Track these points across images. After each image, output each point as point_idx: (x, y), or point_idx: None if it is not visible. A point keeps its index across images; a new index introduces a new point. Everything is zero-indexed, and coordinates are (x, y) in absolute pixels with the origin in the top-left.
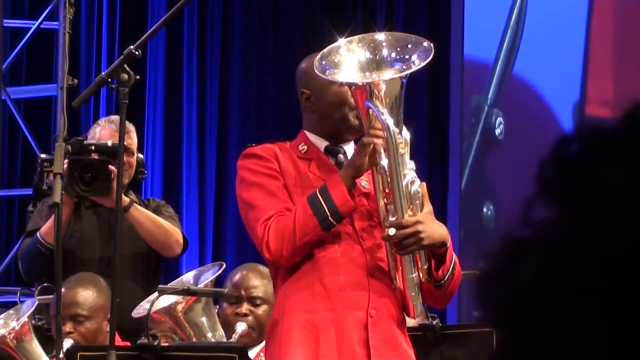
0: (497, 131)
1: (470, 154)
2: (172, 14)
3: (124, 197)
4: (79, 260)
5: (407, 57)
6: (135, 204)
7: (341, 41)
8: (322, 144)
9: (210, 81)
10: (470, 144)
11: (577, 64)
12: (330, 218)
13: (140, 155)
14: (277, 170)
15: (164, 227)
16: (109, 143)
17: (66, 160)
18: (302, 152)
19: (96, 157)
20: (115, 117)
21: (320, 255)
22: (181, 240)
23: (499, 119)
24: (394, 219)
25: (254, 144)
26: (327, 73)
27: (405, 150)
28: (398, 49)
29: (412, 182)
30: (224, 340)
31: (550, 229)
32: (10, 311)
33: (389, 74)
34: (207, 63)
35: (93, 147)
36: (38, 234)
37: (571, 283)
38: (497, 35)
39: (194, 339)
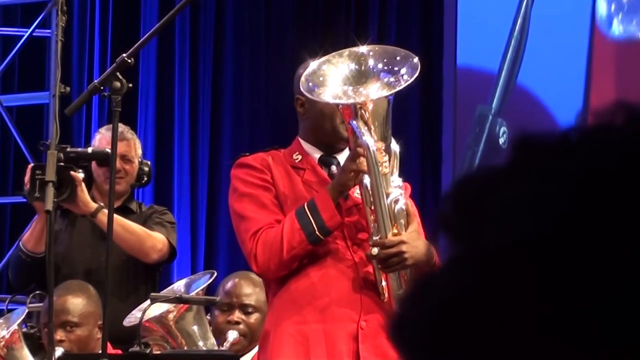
0: (501, 140)
1: (475, 163)
2: (164, 22)
3: (91, 202)
4: (64, 268)
5: (395, 69)
6: (103, 210)
7: (324, 58)
8: (316, 154)
9: (203, 88)
10: (474, 153)
11: (580, 74)
12: (317, 233)
13: (147, 162)
14: (269, 181)
15: (136, 232)
16: (89, 150)
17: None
18: (296, 161)
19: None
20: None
21: (312, 268)
22: (160, 246)
23: (503, 129)
24: (377, 237)
25: (247, 154)
26: (313, 93)
27: (388, 170)
28: (385, 60)
29: (396, 201)
30: (216, 348)
31: (454, 262)
32: (0, 320)
33: (375, 88)
34: (199, 70)
35: (74, 155)
36: (20, 241)
37: (478, 303)
38: (491, 44)
39: (185, 348)
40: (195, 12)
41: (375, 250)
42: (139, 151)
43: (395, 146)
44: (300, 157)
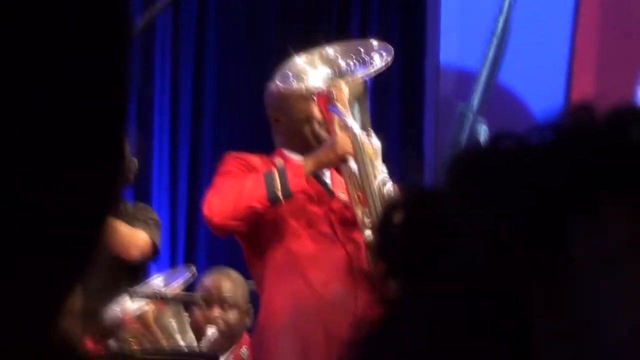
0: (481, 139)
1: None
2: (147, 20)
3: None
4: None
5: (366, 58)
6: None
7: (299, 57)
8: (298, 158)
9: (184, 84)
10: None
11: (561, 73)
12: (278, 191)
13: (134, 160)
14: (251, 168)
15: (117, 229)
16: None
17: None
18: (279, 165)
19: None
20: None
21: (306, 264)
22: (141, 244)
23: (484, 127)
24: (369, 220)
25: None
26: (288, 83)
27: (373, 152)
28: (354, 56)
29: (384, 183)
30: (194, 343)
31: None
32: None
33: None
34: (181, 66)
35: None
36: None
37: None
38: (474, 43)
39: (164, 343)
40: (177, 9)
41: (368, 232)
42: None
43: (376, 141)
44: (282, 161)
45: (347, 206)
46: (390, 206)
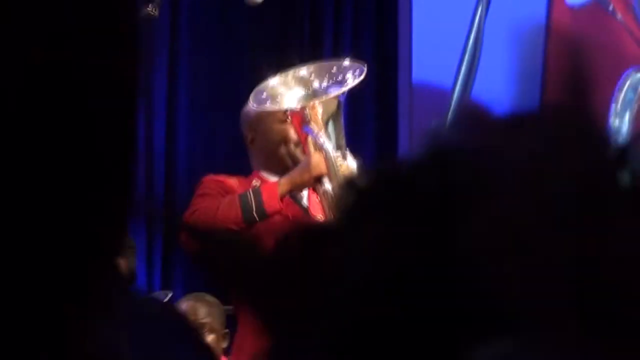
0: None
1: None
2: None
3: None
4: None
5: (340, 78)
6: None
7: (273, 78)
8: (276, 179)
9: (157, 97)
10: None
11: (534, 88)
12: (253, 212)
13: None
14: (228, 190)
15: None
16: None
17: None
18: (256, 186)
19: None
20: None
21: None
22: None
23: None
24: None
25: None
26: (262, 106)
27: (348, 172)
28: (327, 76)
29: None
30: None
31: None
32: None
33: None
34: (155, 80)
35: None
36: None
37: None
38: (447, 59)
39: None
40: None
41: None
42: None
43: (352, 162)
44: (259, 182)
45: (319, 220)
46: (284, 235)
